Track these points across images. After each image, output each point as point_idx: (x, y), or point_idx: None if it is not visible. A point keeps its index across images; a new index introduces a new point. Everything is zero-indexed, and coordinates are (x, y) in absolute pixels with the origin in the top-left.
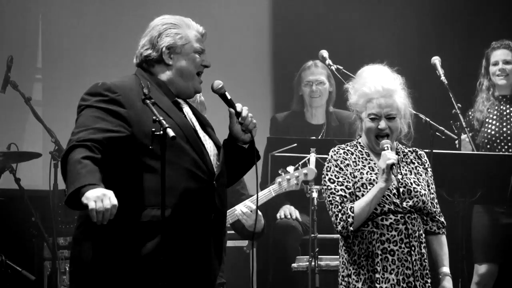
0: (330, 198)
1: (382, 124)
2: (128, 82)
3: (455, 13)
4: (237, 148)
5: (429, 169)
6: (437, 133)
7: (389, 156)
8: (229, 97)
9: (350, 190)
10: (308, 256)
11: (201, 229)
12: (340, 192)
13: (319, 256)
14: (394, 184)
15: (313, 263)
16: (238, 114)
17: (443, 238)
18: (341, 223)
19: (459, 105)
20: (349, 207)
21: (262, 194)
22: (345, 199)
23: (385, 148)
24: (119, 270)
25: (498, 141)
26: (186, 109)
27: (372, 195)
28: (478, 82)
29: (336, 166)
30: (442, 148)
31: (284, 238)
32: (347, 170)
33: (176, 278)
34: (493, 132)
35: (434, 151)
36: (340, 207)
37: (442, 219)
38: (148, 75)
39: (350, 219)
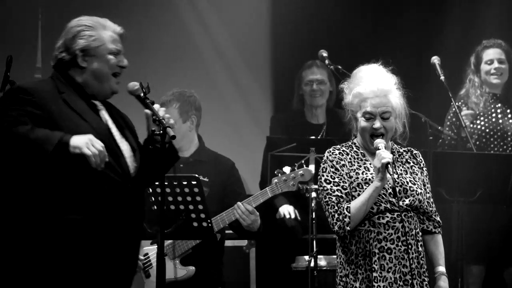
0: (327, 199)
1: (377, 123)
2: (44, 85)
3: (454, 13)
4: (155, 149)
5: (424, 169)
6: (436, 133)
7: (384, 155)
8: (145, 99)
9: (346, 191)
10: (307, 256)
11: (116, 232)
12: (336, 193)
13: (318, 256)
14: (390, 183)
15: (312, 263)
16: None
17: (439, 238)
18: (338, 223)
19: (458, 104)
20: (345, 207)
21: (258, 195)
22: (341, 199)
23: (380, 148)
24: (33, 273)
25: (487, 136)
26: (103, 111)
27: (368, 195)
28: (468, 79)
29: (331, 167)
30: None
31: (283, 237)
32: (342, 170)
33: (91, 279)
34: (483, 128)
35: (433, 150)
36: (336, 207)
37: (438, 218)
38: (64, 77)
39: (346, 219)
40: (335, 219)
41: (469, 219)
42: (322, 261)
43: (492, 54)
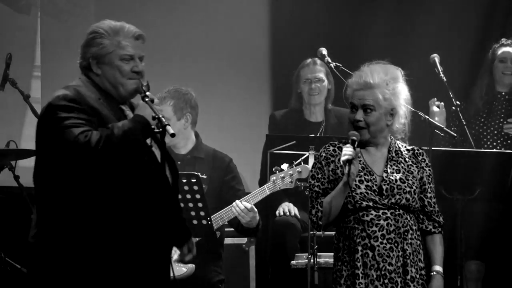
0: (310, 194)
1: (357, 115)
2: (84, 91)
3: (454, 11)
4: None
5: (426, 168)
6: (436, 131)
7: (345, 152)
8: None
9: (324, 186)
10: (307, 254)
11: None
12: (315, 188)
13: (318, 254)
14: (376, 182)
15: (312, 261)
16: None
17: (438, 237)
18: (312, 217)
19: (458, 102)
20: (319, 201)
21: (256, 192)
22: (319, 195)
23: (349, 141)
24: (84, 276)
25: (484, 133)
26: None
27: (338, 189)
28: (480, 76)
29: (319, 163)
30: (441, 146)
31: (283, 235)
32: (329, 166)
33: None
34: (481, 124)
35: (432, 148)
36: (314, 203)
37: (440, 219)
38: (91, 82)
39: (319, 213)
40: (311, 214)
41: (468, 217)
42: (322, 259)
43: (507, 52)
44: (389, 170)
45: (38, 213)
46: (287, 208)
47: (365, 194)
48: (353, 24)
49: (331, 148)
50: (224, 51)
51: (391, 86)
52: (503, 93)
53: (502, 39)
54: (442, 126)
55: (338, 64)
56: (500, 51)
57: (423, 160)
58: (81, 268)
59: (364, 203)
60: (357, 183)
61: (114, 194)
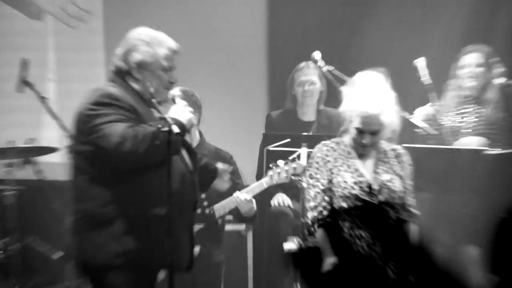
0: (308, 191)
1: (366, 139)
2: (121, 91)
3: (446, 14)
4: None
5: (407, 167)
6: (416, 130)
7: None
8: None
9: (324, 187)
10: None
11: (185, 222)
12: (315, 189)
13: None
14: (367, 183)
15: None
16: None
17: (412, 227)
18: (308, 220)
19: (436, 105)
20: (319, 210)
21: (255, 185)
22: (318, 195)
23: None
24: (121, 258)
25: (449, 133)
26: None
27: (324, 250)
28: (449, 83)
29: (317, 163)
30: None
31: (277, 223)
32: (326, 166)
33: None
34: (446, 125)
35: (413, 145)
36: (313, 203)
37: (414, 210)
38: (126, 84)
39: (315, 224)
40: (309, 217)
41: (446, 211)
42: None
43: (468, 58)
44: (378, 171)
45: (77, 201)
46: (281, 198)
47: (358, 195)
48: (349, 27)
49: (325, 148)
50: (223, 54)
51: (390, 104)
52: (470, 96)
53: (467, 46)
54: (424, 125)
55: (330, 69)
56: (463, 58)
57: (405, 160)
58: (119, 253)
59: (358, 203)
60: (351, 184)
61: (151, 184)
